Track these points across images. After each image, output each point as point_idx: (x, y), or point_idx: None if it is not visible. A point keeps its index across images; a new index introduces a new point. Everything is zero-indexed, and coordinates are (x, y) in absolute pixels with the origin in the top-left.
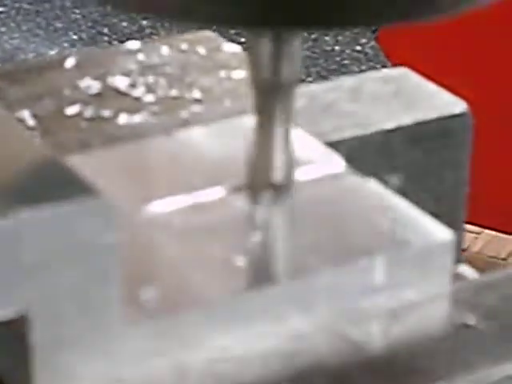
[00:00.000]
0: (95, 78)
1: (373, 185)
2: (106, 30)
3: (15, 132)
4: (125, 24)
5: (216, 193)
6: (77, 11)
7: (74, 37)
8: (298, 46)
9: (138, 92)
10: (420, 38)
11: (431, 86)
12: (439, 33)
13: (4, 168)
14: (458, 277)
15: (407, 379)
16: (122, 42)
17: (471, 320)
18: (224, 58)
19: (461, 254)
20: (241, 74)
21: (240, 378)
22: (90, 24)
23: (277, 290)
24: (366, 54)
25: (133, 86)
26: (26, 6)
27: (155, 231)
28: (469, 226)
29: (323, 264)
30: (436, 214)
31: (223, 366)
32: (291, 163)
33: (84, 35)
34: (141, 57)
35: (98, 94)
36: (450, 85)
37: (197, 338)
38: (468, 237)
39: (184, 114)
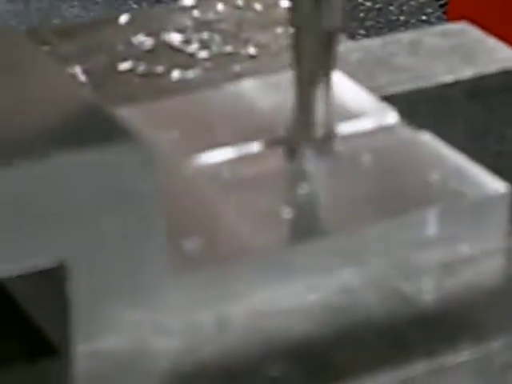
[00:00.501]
0: (149, 35)
1: (427, 137)
2: None
3: (65, 83)
4: None
5: (263, 145)
6: None
7: (134, 5)
8: None
9: (192, 48)
10: (491, 11)
11: (491, 41)
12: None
13: (48, 115)
14: None
15: (460, 334)
16: None
17: None
18: (280, 14)
19: None
20: None
21: (285, 332)
22: None
23: (326, 242)
24: (431, 23)
25: (187, 42)
26: None
27: (203, 182)
28: None
29: (375, 216)
30: (495, 171)
31: (268, 319)
32: (333, 114)
33: (144, 3)
34: (196, 13)
35: (151, 50)
36: None
37: (241, 290)
38: None
39: (237, 69)
